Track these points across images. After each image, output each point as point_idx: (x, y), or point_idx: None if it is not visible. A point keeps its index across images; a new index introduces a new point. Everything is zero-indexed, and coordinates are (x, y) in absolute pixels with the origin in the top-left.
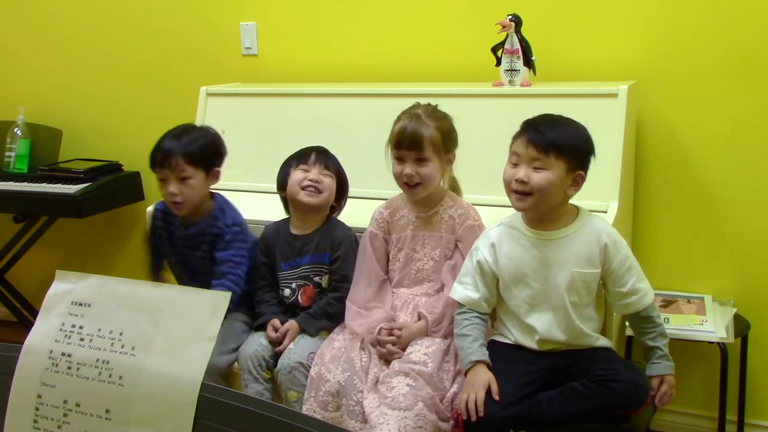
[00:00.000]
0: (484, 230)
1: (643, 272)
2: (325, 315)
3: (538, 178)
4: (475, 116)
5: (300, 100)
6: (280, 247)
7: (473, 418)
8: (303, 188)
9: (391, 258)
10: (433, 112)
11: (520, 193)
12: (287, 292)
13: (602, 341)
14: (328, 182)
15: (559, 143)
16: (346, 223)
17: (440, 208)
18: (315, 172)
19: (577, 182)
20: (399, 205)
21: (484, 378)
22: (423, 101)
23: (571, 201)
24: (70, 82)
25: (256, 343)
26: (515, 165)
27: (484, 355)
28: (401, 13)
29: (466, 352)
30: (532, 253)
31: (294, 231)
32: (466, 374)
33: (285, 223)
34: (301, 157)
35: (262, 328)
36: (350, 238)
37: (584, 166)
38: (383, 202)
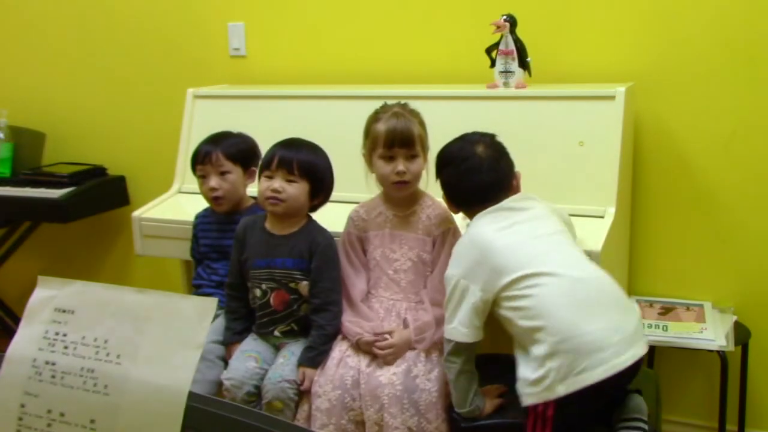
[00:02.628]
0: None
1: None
2: (326, 341)
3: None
4: (469, 119)
5: (290, 103)
6: (254, 243)
7: None
8: (266, 198)
9: (368, 257)
10: (411, 110)
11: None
12: (258, 292)
13: None
14: (292, 191)
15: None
16: (331, 228)
17: (418, 207)
18: (277, 181)
19: None
20: (376, 204)
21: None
22: (417, 103)
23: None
24: (54, 84)
25: (243, 369)
26: None
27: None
28: (393, 13)
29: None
30: None
31: (270, 229)
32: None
33: (262, 219)
34: (265, 161)
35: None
36: (331, 247)
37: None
38: (355, 202)
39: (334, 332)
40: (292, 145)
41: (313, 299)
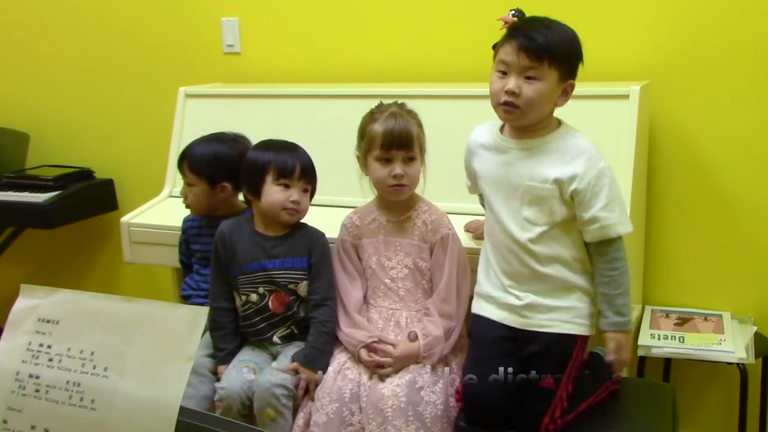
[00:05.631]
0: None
1: (621, 203)
2: (326, 340)
3: (529, 89)
4: (473, 119)
5: (286, 102)
6: (244, 247)
7: None
8: (284, 208)
9: (363, 266)
10: (408, 110)
11: (510, 105)
12: (254, 297)
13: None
14: (306, 202)
15: (553, 49)
16: (328, 232)
17: (413, 213)
18: (297, 192)
19: (567, 92)
20: (370, 209)
21: None
22: (418, 102)
23: None
24: (38, 83)
25: (240, 380)
26: (504, 74)
27: None
28: (394, 7)
29: None
30: (505, 160)
31: (261, 230)
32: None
33: (248, 220)
34: (283, 170)
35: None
36: (326, 244)
37: (575, 74)
38: (350, 207)
39: (332, 330)
40: (288, 149)
41: (313, 295)
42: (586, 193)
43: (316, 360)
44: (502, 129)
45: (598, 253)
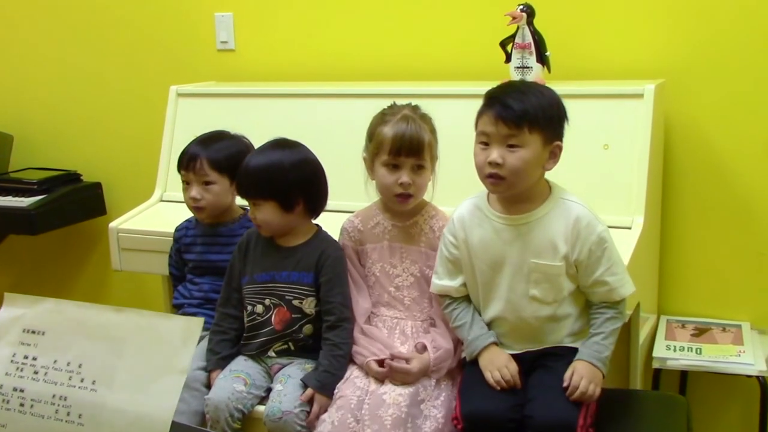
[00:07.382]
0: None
1: (621, 264)
2: (342, 364)
3: (513, 158)
4: None
5: (283, 101)
6: (258, 255)
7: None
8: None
9: (366, 273)
10: (422, 114)
11: (495, 176)
12: (260, 308)
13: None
14: (262, 216)
15: (531, 114)
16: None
17: (420, 218)
18: (251, 208)
19: (555, 154)
20: (373, 213)
21: (503, 357)
22: (423, 102)
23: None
24: (22, 81)
25: (229, 390)
26: (485, 146)
27: (491, 336)
28: (397, 2)
29: (471, 340)
30: (502, 238)
31: (277, 240)
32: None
33: None
34: (237, 186)
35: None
36: (341, 260)
37: (561, 134)
38: (353, 212)
39: (347, 353)
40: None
41: (328, 316)
42: (588, 261)
43: (330, 385)
44: (489, 199)
45: (598, 308)
